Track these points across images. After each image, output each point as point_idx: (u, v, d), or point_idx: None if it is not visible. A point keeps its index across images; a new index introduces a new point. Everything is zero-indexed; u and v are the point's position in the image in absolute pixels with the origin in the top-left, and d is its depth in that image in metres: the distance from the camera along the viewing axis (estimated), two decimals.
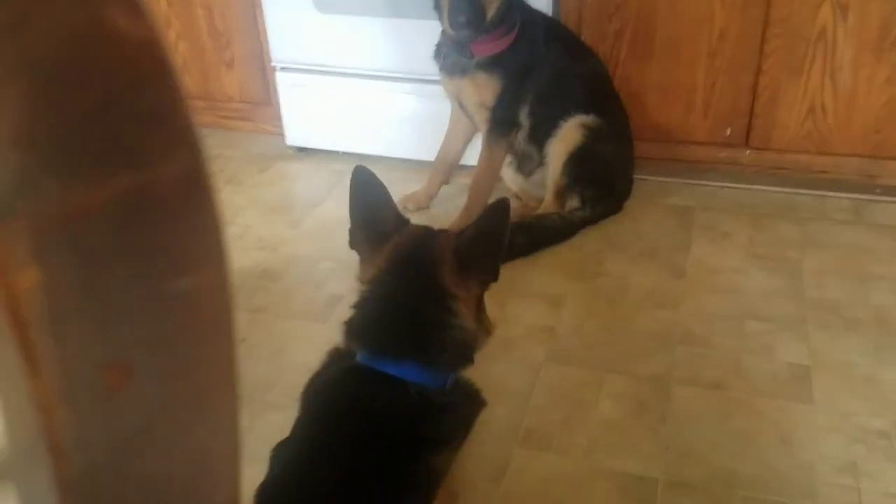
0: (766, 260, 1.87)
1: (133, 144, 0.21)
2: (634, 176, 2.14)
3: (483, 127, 2.00)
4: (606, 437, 1.38)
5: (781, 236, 1.96)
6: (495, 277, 1.04)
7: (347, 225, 1.06)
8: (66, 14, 0.19)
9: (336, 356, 1.05)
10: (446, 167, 2.16)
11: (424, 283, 1.00)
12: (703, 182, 2.19)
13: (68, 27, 0.20)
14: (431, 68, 2.02)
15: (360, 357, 1.00)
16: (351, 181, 1.04)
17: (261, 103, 2.51)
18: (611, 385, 1.49)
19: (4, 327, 0.22)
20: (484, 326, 1.05)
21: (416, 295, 1.00)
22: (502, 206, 1.00)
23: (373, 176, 1.04)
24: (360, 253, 1.07)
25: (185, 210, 0.22)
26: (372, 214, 1.05)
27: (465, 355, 1.03)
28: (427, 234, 1.06)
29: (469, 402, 1.04)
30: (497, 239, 1.01)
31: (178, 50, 2.45)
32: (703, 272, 1.84)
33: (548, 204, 2.01)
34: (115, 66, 0.20)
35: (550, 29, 1.99)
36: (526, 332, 1.65)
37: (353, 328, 1.02)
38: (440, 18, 1.90)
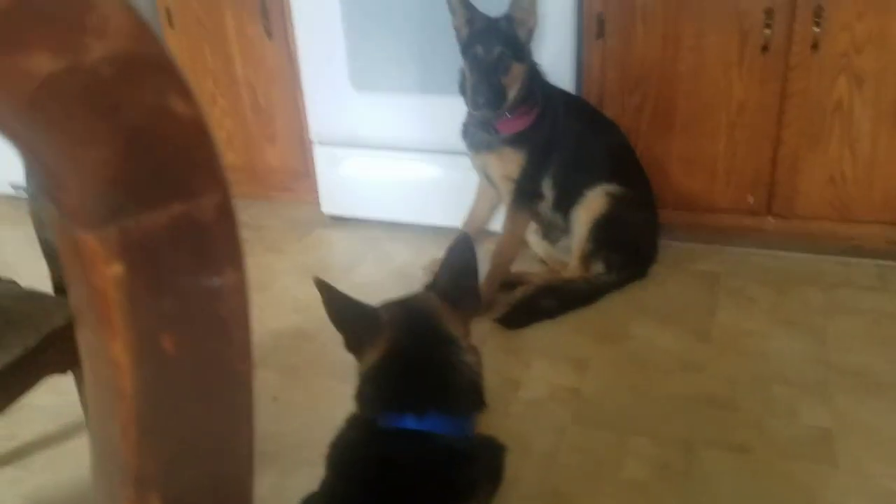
0: (792, 325, 1.89)
1: (185, 183, 0.32)
2: (660, 241, 2.19)
3: (507, 198, 2.08)
4: (632, 500, 1.39)
5: (807, 302, 1.98)
6: (480, 304, 1.17)
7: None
8: (145, 100, 0.31)
9: (354, 422, 1.09)
10: (472, 233, 2.24)
11: (430, 332, 1.09)
12: (729, 248, 2.23)
13: (147, 108, 0.31)
14: (459, 141, 2.12)
15: (381, 421, 1.03)
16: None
17: (300, 175, 2.64)
18: (636, 447, 1.51)
19: (94, 303, 0.33)
20: (473, 348, 1.13)
21: (427, 345, 1.08)
22: (464, 239, 1.13)
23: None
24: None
25: (219, 230, 0.33)
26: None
27: (479, 395, 1.09)
28: (410, 301, 1.16)
29: (491, 449, 1.08)
30: (469, 268, 1.13)
31: (224, 126, 2.61)
32: (728, 336, 1.86)
33: (573, 269, 2.06)
34: (176, 133, 0.32)
35: (572, 104, 2.09)
36: (552, 393, 1.69)
37: (369, 395, 1.07)
38: (465, 101, 2.00)
